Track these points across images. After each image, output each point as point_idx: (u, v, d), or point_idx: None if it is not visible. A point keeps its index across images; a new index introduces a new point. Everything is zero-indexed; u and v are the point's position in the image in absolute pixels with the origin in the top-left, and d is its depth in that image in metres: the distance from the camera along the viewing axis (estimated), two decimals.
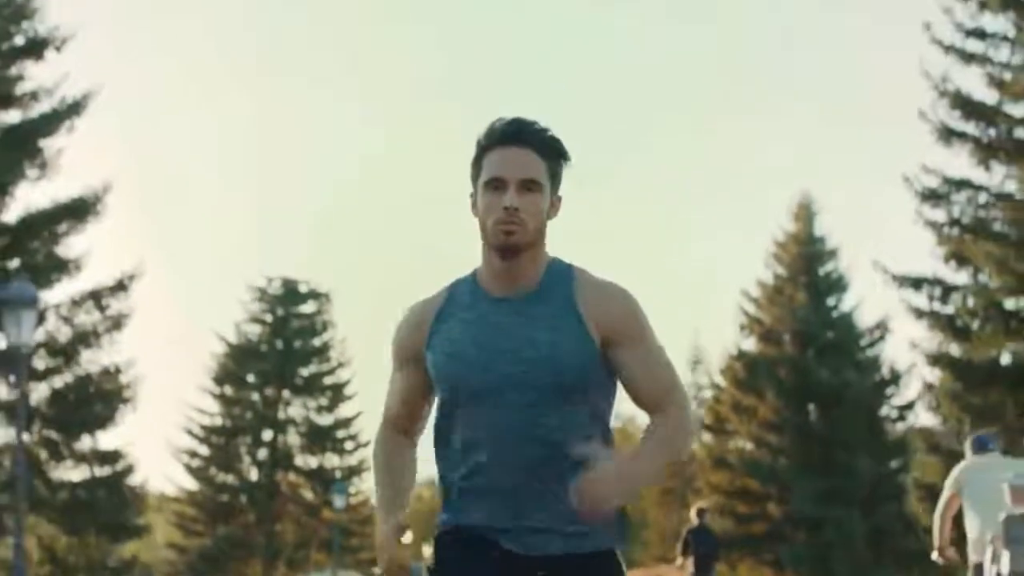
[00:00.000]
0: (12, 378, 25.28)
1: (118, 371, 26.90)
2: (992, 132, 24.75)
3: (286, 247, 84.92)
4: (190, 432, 47.10)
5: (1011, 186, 24.53)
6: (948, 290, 25.16)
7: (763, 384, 41.24)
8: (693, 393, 53.02)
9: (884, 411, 40.88)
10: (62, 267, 26.53)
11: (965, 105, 24.82)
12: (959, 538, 9.66)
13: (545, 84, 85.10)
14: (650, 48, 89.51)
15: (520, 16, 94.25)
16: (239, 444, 48.24)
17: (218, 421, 48.20)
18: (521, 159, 3.41)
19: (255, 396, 48.60)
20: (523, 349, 3.39)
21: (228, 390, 48.52)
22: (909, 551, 27.91)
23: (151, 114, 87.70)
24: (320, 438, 48.71)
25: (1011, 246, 24.00)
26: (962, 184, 24.89)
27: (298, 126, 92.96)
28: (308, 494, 49.06)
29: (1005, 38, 24.98)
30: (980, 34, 25.10)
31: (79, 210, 26.71)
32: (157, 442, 61.05)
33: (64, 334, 26.19)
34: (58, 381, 26.60)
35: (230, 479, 47.83)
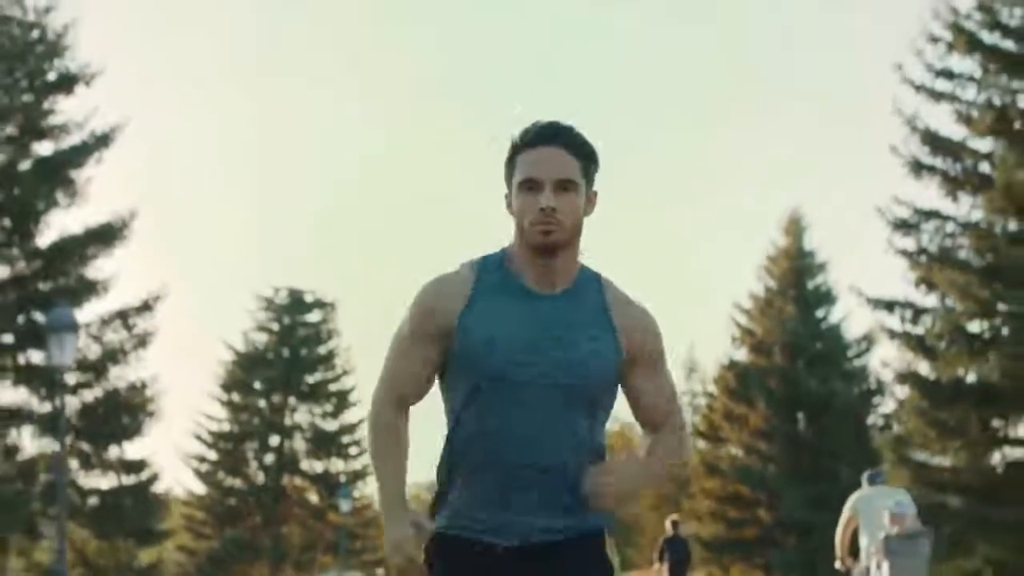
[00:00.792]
0: (52, 399, 27.73)
1: (144, 386, 29.35)
2: (959, 166, 27.17)
3: (291, 256, 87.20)
4: (199, 438, 48.54)
5: (977, 216, 26.99)
6: (918, 312, 27.61)
7: (754, 393, 43.28)
8: (688, 400, 55.14)
9: (871, 420, 42.94)
10: (91, 288, 28.91)
11: (934, 141, 27.21)
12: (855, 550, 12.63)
13: (545, 84, 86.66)
14: (648, 49, 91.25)
15: (520, 16, 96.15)
16: (246, 449, 49.57)
17: (226, 427, 49.58)
18: (556, 159, 3.46)
19: (262, 403, 49.99)
20: (565, 349, 3.43)
21: (236, 397, 49.92)
22: None
23: (172, 142, 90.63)
24: (325, 443, 50.01)
25: (974, 273, 26.40)
26: (931, 214, 27.29)
27: (301, 131, 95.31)
28: (314, 498, 50.47)
29: (971, 78, 27.36)
30: (948, 74, 27.47)
31: (107, 235, 29.08)
32: (166, 447, 63.30)
33: (94, 351, 28.53)
34: (88, 395, 28.95)
35: (238, 483, 49.19)
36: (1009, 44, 27.19)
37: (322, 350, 51.00)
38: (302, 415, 50.47)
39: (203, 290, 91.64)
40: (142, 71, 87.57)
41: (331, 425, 50.60)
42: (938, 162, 27.19)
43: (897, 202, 27.39)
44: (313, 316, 51.35)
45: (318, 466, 50.53)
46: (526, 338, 3.43)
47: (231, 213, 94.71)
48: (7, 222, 28.03)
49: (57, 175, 28.47)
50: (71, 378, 28.46)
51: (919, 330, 27.40)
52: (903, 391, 27.30)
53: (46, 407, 28.30)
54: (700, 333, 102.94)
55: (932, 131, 27.30)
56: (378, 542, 58.95)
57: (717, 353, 52.14)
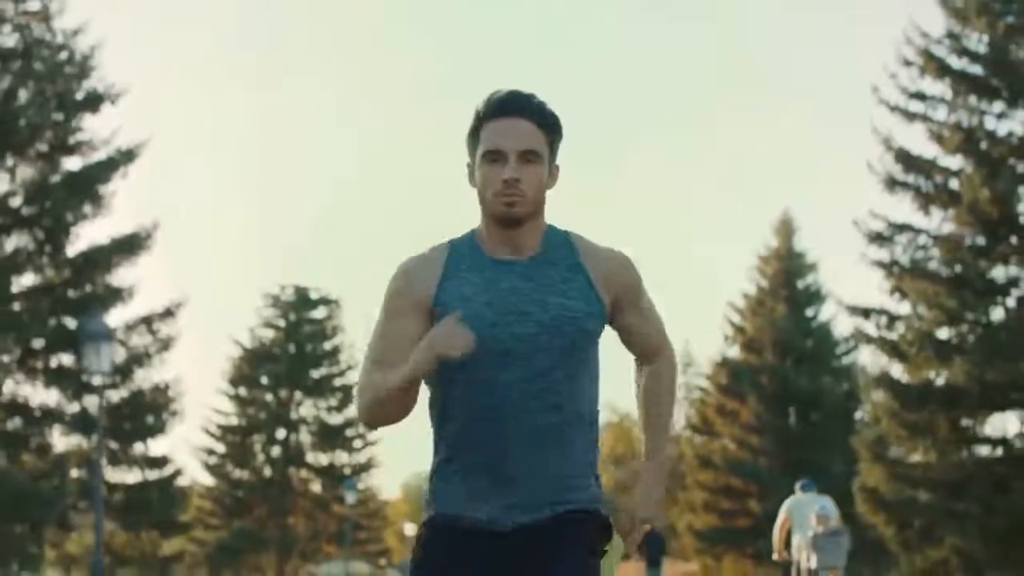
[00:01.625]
0: (81, 399, 30.10)
1: (167, 387, 31.69)
2: (930, 183, 29.50)
3: (296, 254, 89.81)
4: (207, 431, 50.07)
5: (947, 229, 29.29)
6: (893, 319, 29.93)
7: (746, 389, 45.58)
8: (684, 393, 57.21)
9: (858, 415, 45.07)
10: (117, 295, 31.12)
11: (907, 159, 29.49)
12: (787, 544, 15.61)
13: (546, 84, 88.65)
14: (647, 50, 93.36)
15: (521, 16, 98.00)
16: (254, 442, 51.18)
17: (234, 421, 51.11)
18: (520, 130, 3.45)
19: (269, 397, 51.52)
20: (534, 312, 3.42)
21: (243, 391, 51.50)
22: (877, 544, 32.27)
23: (176, 147, 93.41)
24: (330, 436, 51.59)
25: (943, 283, 28.72)
26: (904, 228, 29.53)
27: (306, 137, 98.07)
28: (319, 489, 52.00)
29: (942, 100, 29.57)
30: (921, 96, 29.69)
31: (132, 245, 31.22)
32: (178, 441, 65.93)
33: (120, 355, 30.83)
34: (115, 396, 31.25)
35: (245, 475, 50.77)
36: (976, 69, 29.37)
37: (327, 346, 52.57)
38: (308, 409, 52.02)
39: (209, 288, 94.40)
40: (158, 89, 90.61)
41: (336, 419, 52.01)
42: (911, 179, 29.45)
43: (873, 216, 29.76)
44: (318, 313, 52.89)
45: (323, 459, 52.03)
46: (498, 306, 3.43)
47: (238, 215, 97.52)
48: (39, 233, 30.02)
49: (85, 189, 30.39)
50: (99, 380, 30.82)
51: (893, 335, 29.75)
52: (878, 393, 29.52)
53: (75, 407, 30.62)
54: (695, 330, 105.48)
55: (906, 150, 29.57)
56: (381, 533, 61.23)
57: (711, 350, 54.45)
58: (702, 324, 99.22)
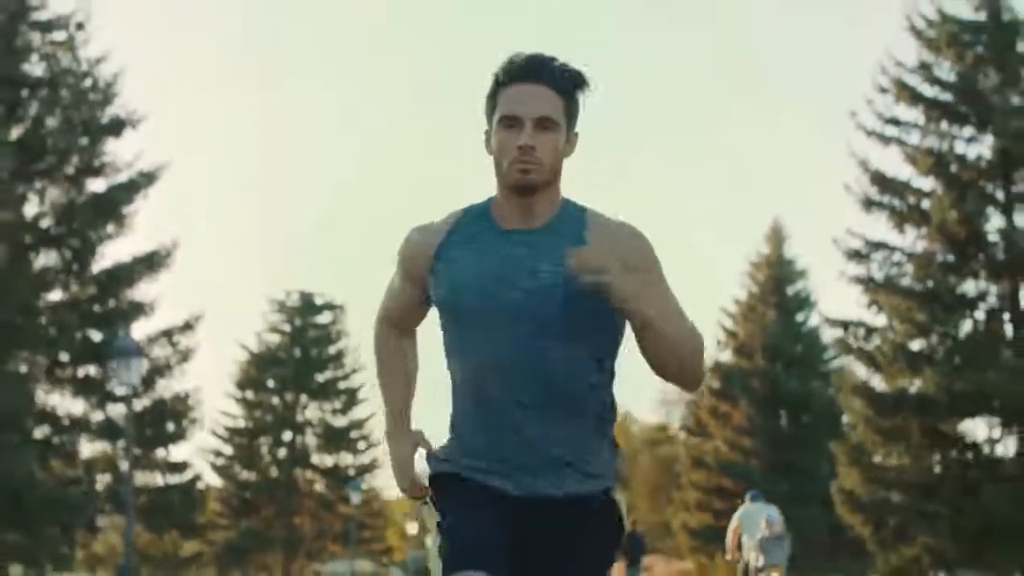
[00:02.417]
0: (104, 407, 32.57)
1: (187, 396, 34.24)
2: (904, 203, 31.97)
3: (302, 261, 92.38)
4: (215, 433, 51.48)
5: (920, 247, 31.72)
6: (870, 331, 32.42)
7: (737, 393, 47.83)
8: (677, 396, 59.46)
9: (845, 419, 47.22)
10: (139, 310, 33.64)
11: (882, 181, 31.96)
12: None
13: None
14: (647, 52, 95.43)
15: (523, 17, 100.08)
16: (261, 444, 52.75)
17: (241, 423, 52.76)
18: (537, 96, 3.43)
19: (275, 400, 53.03)
20: (523, 279, 3.42)
21: (250, 394, 53.14)
22: (855, 543, 34.61)
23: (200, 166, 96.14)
24: (335, 438, 53.26)
25: (915, 298, 31.18)
26: (880, 245, 31.98)
27: (310, 143, 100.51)
28: (324, 490, 53.32)
29: (916, 125, 31.99)
30: (896, 122, 32.06)
31: (153, 262, 33.71)
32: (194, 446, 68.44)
33: (143, 366, 33.32)
34: (137, 404, 33.78)
35: (252, 476, 52.18)
36: (947, 96, 31.86)
37: (332, 350, 54.18)
38: (313, 412, 53.54)
39: (217, 296, 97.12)
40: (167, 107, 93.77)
41: (341, 421, 53.64)
42: (886, 199, 31.94)
43: (851, 234, 32.27)
44: (323, 318, 54.59)
45: (328, 460, 53.52)
46: (485, 275, 3.44)
47: (244, 225, 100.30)
48: (66, 252, 32.55)
49: (109, 209, 32.77)
50: (123, 389, 33.31)
51: (870, 347, 32.27)
52: (856, 401, 32.02)
53: (99, 415, 33.12)
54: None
55: (881, 172, 31.99)
56: (384, 532, 63.44)
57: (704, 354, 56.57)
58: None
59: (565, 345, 3.45)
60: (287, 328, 54.43)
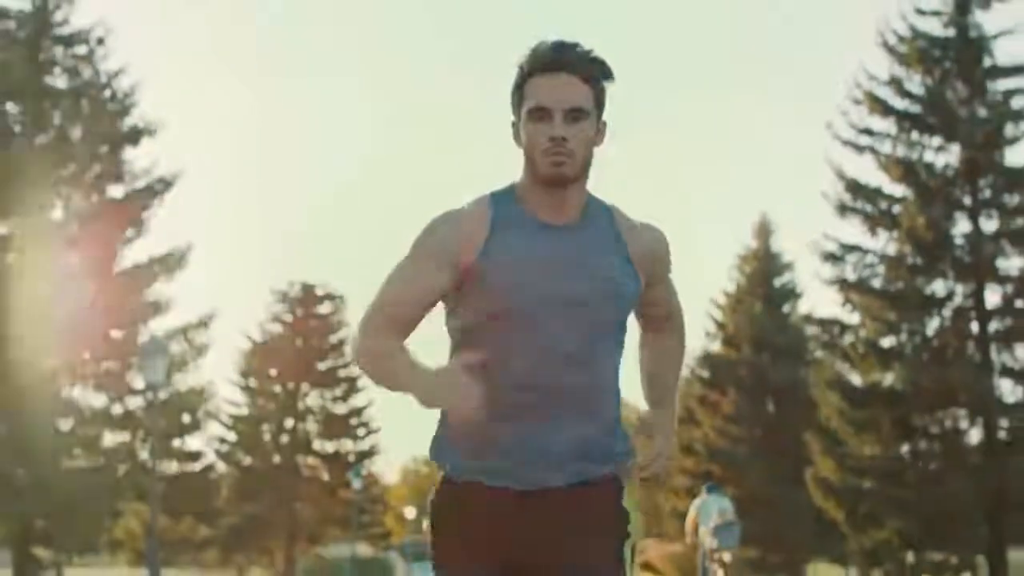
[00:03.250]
0: (123, 401, 35.42)
1: (202, 390, 37.12)
2: (877, 208, 34.65)
3: (304, 253, 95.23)
4: (219, 420, 52.31)
5: (891, 249, 34.45)
6: (844, 328, 35.27)
7: (726, 381, 50.15)
8: None
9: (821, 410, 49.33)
10: (156, 308, 36.58)
11: (856, 187, 34.72)
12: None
13: None
14: (651, 32, 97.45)
15: (522, 16, 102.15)
16: (263, 431, 54.41)
17: (244, 411, 54.56)
18: (566, 86, 3.43)
19: (277, 388, 54.77)
20: (590, 278, 3.47)
21: (253, 383, 55.05)
22: (830, 525, 37.16)
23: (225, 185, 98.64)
24: (336, 425, 55.09)
25: (886, 298, 33.93)
26: (853, 248, 34.53)
27: (311, 144, 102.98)
28: (325, 476, 54.97)
29: (888, 135, 34.46)
30: (869, 132, 34.58)
31: (168, 263, 36.63)
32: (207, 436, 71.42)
33: (167, 363, 36.01)
34: (152, 396, 36.54)
35: (256, 462, 53.64)
36: (916, 108, 34.36)
37: (332, 339, 55.91)
38: (314, 399, 55.27)
39: (222, 289, 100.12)
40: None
41: (341, 408, 55.47)
42: (859, 205, 34.74)
43: (826, 238, 34.99)
44: (324, 308, 56.37)
45: (329, 446, 55.32)
46: (550, 271, 3.45)
47: (248, 219, 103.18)
48: (89, 255, 35.46)
49: (128, 214, 35.53)
50: (141, 383, 36.14)
51: (845, 343, 35.13)
52: (831, 394, 34.88)
53: (118, 408, 35.97)
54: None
55: (855, 179, 34.63)
56: (383, 517, 65.96)
57: (693, 344, 58.93)
58: (687, 320, 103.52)
59: (610, 339, 3.57)
60: (289, 318, 56.06)
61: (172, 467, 37.31)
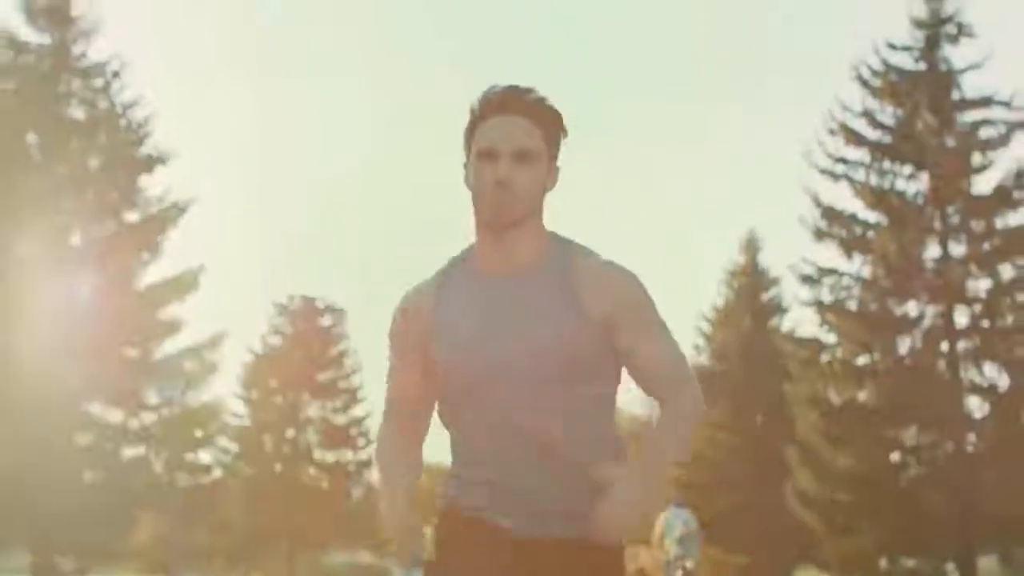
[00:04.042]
0: (138, 415, 38.01)
1: (212, 405, 39.65)
2: (852, 233, 37.05)
3: (305, 267, 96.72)
4: (221, 431, 50.65)
5: (865, 273, 36.81)
6: (821, 347, 37.91)
7: (714, 394, 51.44)
8: None
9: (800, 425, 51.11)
10: (170, 328, 39.21)
11: (833, 215, 37.22)
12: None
13: (547, 84, 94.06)
14: (634, 39, 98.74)
15: (522, 16, 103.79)
16: (265, 441, 55.73)
17: (246, 421, 55.83)
18: (515, 127, 3.42)
19: (278, 399, 55.88)
20: (518, 334, 3.43)
21: (254, 394, 56.25)
22: (809, 534, 39.48)
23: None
24: (336, 436, 56.06)
25: (860, 319, 36.33)
26: (830, 271, 36.90)
27: (312, 148, 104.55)
28: (326, 485, 55.97)
29: (862, 164, 36.85)
30: (844, 161, 36.98)
31: (181, 284, 39.18)
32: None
33: (182, 382, 38.54)
34: (166, 412, 39.09)
35: (257, 472, 54.72)
36: (888, 138, 36.74)
37: (332, 351, 57.07)
38: (315, 410, 56.18)
39: (228, 306, 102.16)
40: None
41: (341, 419, 56.15)
42: (835, 230, 37.18)
43: (804, 261, 37.50)
44: (324, 321, 57.62)
45: (329, 456, 56.10)
46: (479, 332, 3.46)
47: (246, 229, 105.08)
48: (107, 278, 37.99)
49: (143, 238, 38.05)
50: (154, 399, 38.75)
51: (822, 361, 37.70)
52: (808, 410, 37.42)
53: (134, 423, 38.40)
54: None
55: (830, 206, 37.05)
56: (381, 526, 67.21)
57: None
58: (677, 333, 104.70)
59: (564, 396, 3.47)
60: (289, 331, 57.45)
61: (184, 479, 39.54)
